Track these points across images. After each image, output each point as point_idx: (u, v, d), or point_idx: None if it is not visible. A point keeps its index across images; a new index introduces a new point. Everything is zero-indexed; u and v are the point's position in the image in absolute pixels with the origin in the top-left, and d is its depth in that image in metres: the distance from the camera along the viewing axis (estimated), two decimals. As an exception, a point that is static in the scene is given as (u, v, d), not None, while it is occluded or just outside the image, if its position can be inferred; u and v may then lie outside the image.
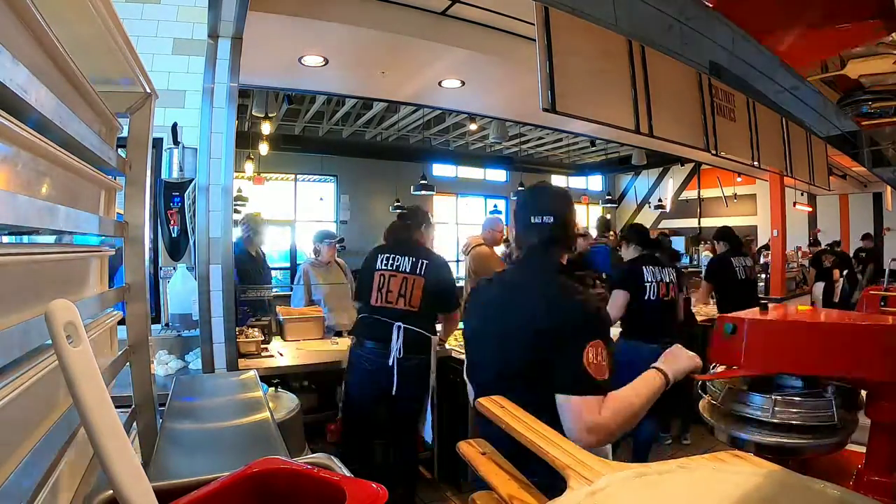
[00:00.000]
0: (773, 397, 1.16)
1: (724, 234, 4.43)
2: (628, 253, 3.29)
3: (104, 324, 1.30)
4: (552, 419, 1.08)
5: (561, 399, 1.16)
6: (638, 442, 3.12)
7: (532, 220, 1.34)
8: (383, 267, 2.59)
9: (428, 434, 2.64)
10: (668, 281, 3.09)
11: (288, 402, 2.24)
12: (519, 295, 1.31)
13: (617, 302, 3.06)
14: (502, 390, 1.13)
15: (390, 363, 2.47)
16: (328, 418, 2.83)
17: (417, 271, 2.58)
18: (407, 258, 2.59)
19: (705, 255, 5.86)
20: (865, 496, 0.66)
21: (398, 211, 9.63)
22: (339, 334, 3.63)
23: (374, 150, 10.29)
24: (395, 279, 2.56)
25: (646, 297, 3.00)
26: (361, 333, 2.60)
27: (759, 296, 6.19)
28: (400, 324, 2.50)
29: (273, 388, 2.35)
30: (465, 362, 1.47)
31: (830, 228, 9.80)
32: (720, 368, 1.31)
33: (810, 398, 1.18)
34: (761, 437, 1.16)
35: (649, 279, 3.02)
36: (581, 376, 1.13)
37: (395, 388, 2.47)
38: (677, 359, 1.23)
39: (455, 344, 3.37)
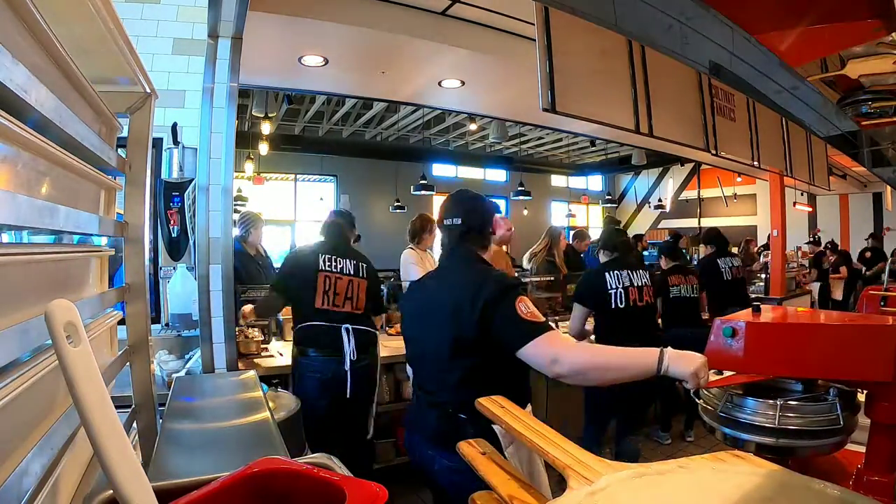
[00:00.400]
0: (777, 403, 1.15)
1: (711, 236, 4.55)
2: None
3: (104, 324, 1.31)
4: (487, 386, 1.21)
5: (522, 353, 1.31)
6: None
7: (445, 223, 1.57)
8: (327, 268, 2.46)
9: (370, 431, 2.60)
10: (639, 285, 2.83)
11: (288, 402, 2.23)
12: (448, 286, 1.50)
13: None
14: (442, 369, 1.45)
15: (346, 367, 2.40)
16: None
17: (360, 273, 2.53)
18: (348, 260, 2.52)
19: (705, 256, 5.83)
20: (865, 496, 0.66)
21: (398, 211, 9.65)
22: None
23: (374, 150, 10.30)
24: (342, 281, 2.47)
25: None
26: (307, 342, 2.47)
27: (759, 296, 6.21)
28: (348, 326, 2.44)
29: (273, 388, 2.35)
30: (406, 353, 1.65)
31: (830, 228, 9.81)
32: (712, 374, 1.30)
33: (813, 402, 1.18)
34: (762, 438, 1.16)
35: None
36: (524, 326, 1.31)
37: (349, 392, 2.40)
38: (686, 358, 1.21)
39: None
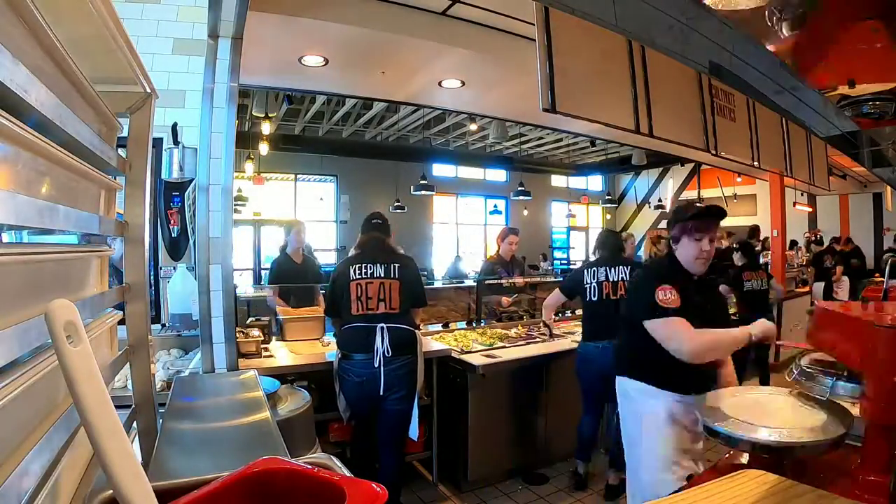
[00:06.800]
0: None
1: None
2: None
3: (104, 324, 1.31)
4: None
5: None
6: (582, 438, 3.13)
7: None
8: (357, 276, 2.63)
9: (414, 433, 2.66)
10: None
11: (301, 398, 2.25)
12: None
13: None
14: None
15: (376, 365, 2.51)
16: (329, 418, 2.84)
17: (392, 275, 2.67)
18: (379, 265, 2.66)
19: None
20: None
21: (398, 211, 9.65)
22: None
23: (374, 150, 10.28)
24: (372, 285, 2.63)
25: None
26: (347, 346, 2.61)
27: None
28: (383, 325, 2.56)
29: (288, 385, 2.36)
30: None
31: (830, 228, 9.80)
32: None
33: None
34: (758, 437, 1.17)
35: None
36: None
37: (381, 389, 2.51)
38: (762, 326, 1.82)
39: (455, 345, 3.38)
